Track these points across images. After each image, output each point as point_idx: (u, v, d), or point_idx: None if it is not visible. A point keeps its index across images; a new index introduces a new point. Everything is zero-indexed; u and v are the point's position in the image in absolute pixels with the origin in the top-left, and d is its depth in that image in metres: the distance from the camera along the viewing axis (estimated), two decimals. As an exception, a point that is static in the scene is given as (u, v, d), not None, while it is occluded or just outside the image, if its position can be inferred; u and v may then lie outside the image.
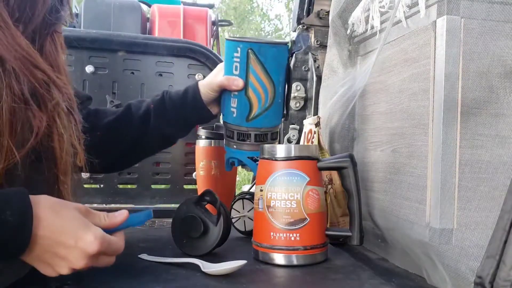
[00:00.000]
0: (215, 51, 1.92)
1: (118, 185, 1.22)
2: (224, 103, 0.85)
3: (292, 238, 0.71)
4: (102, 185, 1.21)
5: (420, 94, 0.65)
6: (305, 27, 1.30)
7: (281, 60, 0.82)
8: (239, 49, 0.79)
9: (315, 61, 1.28)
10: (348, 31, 0.91)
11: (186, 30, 2.82)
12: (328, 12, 1.14)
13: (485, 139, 0.60)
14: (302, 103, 1.28)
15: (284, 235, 0.71)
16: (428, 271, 0.66)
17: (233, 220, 0.92)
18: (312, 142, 0.94)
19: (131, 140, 0.86)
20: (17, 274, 0.57)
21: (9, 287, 0.57)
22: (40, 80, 0.56)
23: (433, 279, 0.64)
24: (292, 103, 1.27)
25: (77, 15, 2.67)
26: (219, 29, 3.19)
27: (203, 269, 0.65)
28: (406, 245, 0.70)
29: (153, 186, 1.24)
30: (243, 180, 3.90)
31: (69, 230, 0.52)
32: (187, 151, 1.24)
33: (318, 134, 0.92)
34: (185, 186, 1.25)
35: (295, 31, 1.34)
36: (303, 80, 1.29)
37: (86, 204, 0.86)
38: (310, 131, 0.96)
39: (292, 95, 1.26)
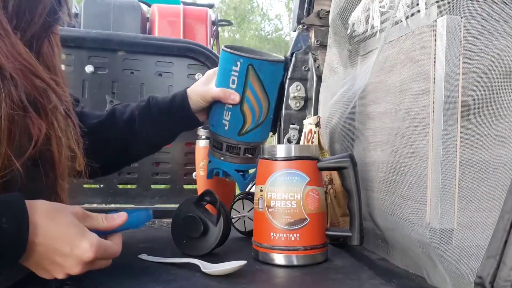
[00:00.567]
0: (215, 51, 1.92)
1: (118, 185, 1.22)
2: (216, 114, 0.83)
3: (292, 238, 0.71)
4: (102, 185, 1.21)
5: (420, 94, 0.65)
6: (305, 27, 1.30)
7: (277, 77, 0.82)
8: (238, 63, 0.78)
9: (315, 61, 1.28)
10: (348, 31, 0.91)
11: (186, 30, 2.82)
12: (328, 12, 1.14)
13: (485, 139, 0.60)
14: (302, 103, 1.28)
15: (284, 235, 0.71)
16: (428, 271, 0.65)
17: (233, 220, 0.92)
18: (312, 142, 0.94)
19: (115, 145, 0.83)
20: (17, 275, 0.57)
21: (9, 287, 0.57)
22: (39, 89, 0.55)
23: (433, 279, 0.64)
24: (292, 103, 1.27)
25: (77, 15, 2.67)
26: (219, 29, 3.19)
27: (203, 269, 0.65)
28: (406, 245, 0.70)
29: (153, 186, 1.24)
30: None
31: (65, 237, 0.52)
32: (187, 151, 1.24)
33: (318, 134, 0.92)
34: (185, 186, 1.25)
35: (295, 31, 1.34)
36: (303, 80, 1.29)
37: (85, 204, 0.86)
38: (310, 131, 0.96)
39: (292, 95, 1.26)
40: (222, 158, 0.85)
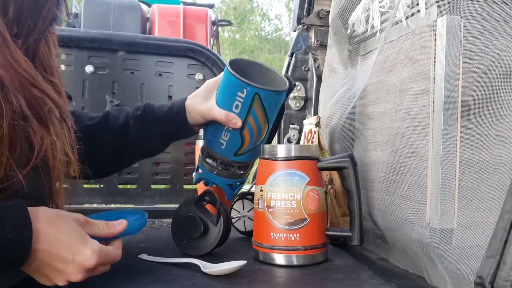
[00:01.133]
0: (215, 51, 1.92)
1: (118, 185, 1.22)
2: (213, 132, 0.81)
3: (292, 238, 0.71)
4: (102, 185, 1.21)
5: (420, 94, 0.65)
6: (305, 27, 1.30)
7: (280, 102, 0.81)
8: (245, 91, 0.75)
9: (315, 61, 1.28)
10: (348, 31, 0.91)
11: (186, 30, 2.82)
12: (328, 12, 1.14)
13: (485, 139, 0.60)
14: (302, 103, 1.28)
15: (284, 235, 0.71)
16: (428, 271, 0.65)
17: (233, 220, 0.92)
18: (312, 142, 0.94)
19: (107, 150, 0.81)
20: (17, 277, 0.57)
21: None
22: (37, 99, 0.54)
23: (433, 279, 0.64)
24: (292, 103, 1.27)
25: (77, 15, 2.67)
26: (219, 29, 3.20)
27: (203, 269, 0.65)
28: (406, 245, 0.70)
29: (153, 186, 1.24)
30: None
31: (67, 244, 0.52)
32: (187, 151, 1.24)
33: (318, 134, 0.92)
34: (185, 186, 1.25)
35: (295, 31, 1.34)
36: (303, 80, 1.29)
37: (85, 204, 0.86)
38: (310, 131, 0.96)
39: (292, 95, 1.26)
40: (214, 172, 0.83)
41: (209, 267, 0.66)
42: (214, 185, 0.85)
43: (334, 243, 0.84)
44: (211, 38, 3.00)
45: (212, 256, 0.74)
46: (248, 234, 0.90)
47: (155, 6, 2.88)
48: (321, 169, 0.74)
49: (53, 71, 0.62)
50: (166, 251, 0.77)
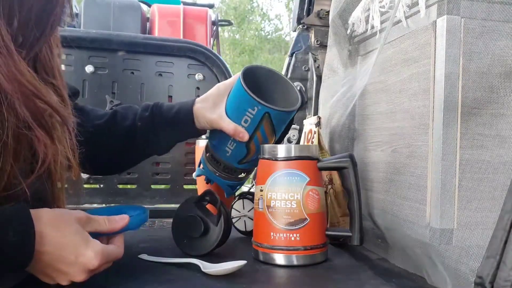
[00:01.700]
0: (215, 51, 1.92)
1: (118, 185, 1.22)
2: (220, 139, 0.81)
3: (292, 238, 0.71)
4: (102, 185, 1.21)
5: (420, 94, 0.65)
6: (305, 27, 1.30)
7: (289, 119, 0.81)
8: (256, 108, 0.74)
9: (315, 61, 1.28)
10: (348, 31, 0.91)
11: (186, 30, 2.82)
12: (328, 12, 1.14)
13: (485, 139, 0.60)
14: (302, 103, 1.28)
15: (284, 235, 0.71)
16: (428, 271, 0.65)
17: (234, 220, 0.92)
18: (312, 142, 0.94)
19: (112, 151, 0.81)
20: (19, 277, 0.58)
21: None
22: (41, 110, 0.53)
23: (433, 279, 0.64)
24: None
25: (77, 15, 2.67)
26: (219, 29, 3.20)
27: (203, 269, 0.65)
28: (406, 245, 0.70)
29: (153, 186, 1.24)
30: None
31: (70, 247, 0.53)
32: (187, 151, 1.24)
33: (318, 134, 0.92)
34: (185, 186, 1.25)
35: (295, 31, 1.34)
36: (303, 80, 1.29)
37: (85, 204, 0.86)
38: (310, 131, 0.96)
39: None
40: (217, 174, 0.84)
41: (209, 267, 0.66)
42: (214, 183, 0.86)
43: (334, 243, 0.84)
44: (211, 38, 3.00)
45: (212, 256, 0.74)
46: (249, 234, 0.90)
47: (155, 6, 2.88)
48: (321, 169, 0.74)
49: (55, 73, 0.61)
50: (166, 251, 0.77)
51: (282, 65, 1.22)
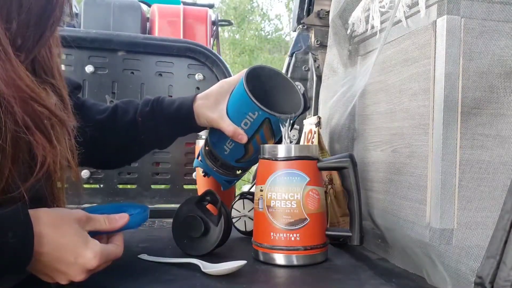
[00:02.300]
0: (215, 51, 1.92)
1: (118, 185, 1.22)
2: (219, 137, 0.81)
3: (292, 238, 0.71)
4: (102, 185, 1.21)
5: (420, 94, 0.65)
6: (305, 27, 1.30)
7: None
8: (256, 113, 0.75)
9: (315, 61, 1.28)
10: (348, 31, 0.91)
11: (186, 30, 2.82)
12: (328, 12, 1.14)
13: (485, 139, 0.60)
14: (302, 103, 1.27)
15: (284, 235, 0.71)
16: (428, 271, 0.65)
17: (234, 220, 0.92)
18: (312, 142, 0.94)
19: (113, 145, 0.81)
20: (18, 277, 0.57)
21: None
22: (40, 114, 0.53)
23: (433, 279, 0.64)
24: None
25: (77, 15, 2.67)
26: (219, 29, 3.19)
27: (203, 269, 0.65)
28: (406, 245, 0.70)
29: (153, 186, 1.24)
30: (243, 180, 3.90)
31: (69, 248, 0.53)
32: (187, 151, 1.24)
33: (318, 134, 0.92)
34: (185, 186, 1.25)
35: (295, 31, 1.34)
36: (303, 80, 1.29)
37: (85, 204, 0.86)
38: (310, 131, 0.96)
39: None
40: (214, 169, 0.85)
41: (209, 267, 0.66)
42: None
43: (334, 243, 0.84)
44: (211, 38, 3.00)
45: (212, 256, 0.74)
46: (249, 234, 0.90)
47: (155, 6, 2.88)
48: (321, 169, 0.74)
49: (54, 73, 0.61)
50: (166, 251, 0.77)
51: (282, 65, 1.22)
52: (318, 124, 0.93)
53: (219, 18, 3.12)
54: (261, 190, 0.74)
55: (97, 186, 1.21)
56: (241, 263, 0.65)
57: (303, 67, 1.29)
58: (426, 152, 0.63)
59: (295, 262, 0.71)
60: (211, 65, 1.24)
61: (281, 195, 0.71)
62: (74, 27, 2.51)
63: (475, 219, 0.59)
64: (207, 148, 0.86)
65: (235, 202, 0.93)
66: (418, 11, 0.66)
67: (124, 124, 0.79)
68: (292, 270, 0.70)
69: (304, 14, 1.30)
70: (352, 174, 0.72)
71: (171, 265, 0.69)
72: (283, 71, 1.32)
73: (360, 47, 0.90)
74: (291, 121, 0.76)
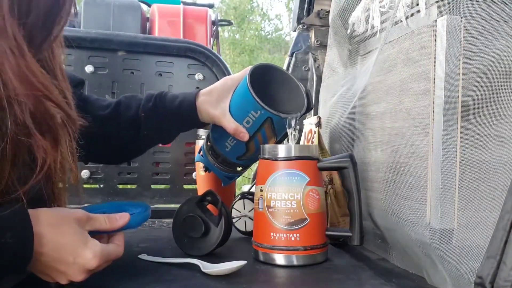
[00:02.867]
0: (215, 50, 1.92)
1: (118, 185, 1.22)
2: (221, 134, 0.80)
3: (292, 238, 0.71)
4: (102, 185, 1.21)
5: (421, 94, 0.65)
6: (305, 27, 1.30)
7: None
8: (259, 112, 0.74)
9: (315, 61, 1.28)
10: (349, 31, 0.91)
11: (186, 30, 2.82)
12: (328, 11, 1.14)
13: (485, 139, 0.60)
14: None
15: (284, 235, 0.71)
16: (428, 271, 0.65)
17: (234, 220, 0.92)
18: (312, 142, 0.94)
19: (118, 142, 0.80)
20: (17, 277, 0.57)
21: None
22: (51, 112, 0.52)
23: (434, 279, 0.64)
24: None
25: (76, 14, 2.67)
26: (219, 29, 3.19)
27: (203, 270, 0.65)
28: (406, 245, 0.69)
29: (153, 186, 1.24)
30: (243, 180, 3.90)
31: (69, 248, 0.53)
32: (187, 151, 1.24)
33: (318, 134, 0.92)
34: (185, 186, 1.25)
35: (295, 31, 1.34)
36: (303, 80, 1.29)
37: (85, 205, 0.86)
38: (310, 131, 0.96)
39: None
40: (215, 165, 0.85)
41: (209, 267, 0.66)
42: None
43: (334, 243, 0.84)
44: (211, 38, 3.00)
45: (212, 256, 0.74)
46: (249, 234, 0.90)
47: (155, 6, 2.88)
48: (321, 169, 0.74)
49: (57, 74, 0.60)
50: (166, 251, 0.77)
51: (282, 65, 1.22)
52: (318, 124, 0.93)
53: (219, 18, 3.12)
54: (261, 190, 0.74)
55: (97, 186, 1.21)
56: (241, 263, 0.65)
57: (303, 67, 1.29)
58: (426, 152, 0.63)
59: (295, 262, 0.71)
60: (211, 65, 1.23)
61: (281, 195, 0.71)
62: (74, 27, 2.51)
63: (475, 219, 0.59)
64: (208, 143, 0.86)
65: (235, 202, 0.93)
66: (418, 11, 0.66)
67: (127, 119, 0.79)
68: (292, 270, 0.70)
69: (304, 14, 1.30)
70: (352, 174, 0.72)
71: (171, 265, 0.69)
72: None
73: (360, 47, 0.90)
74: (296, 121, 0.76)
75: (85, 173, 1.16)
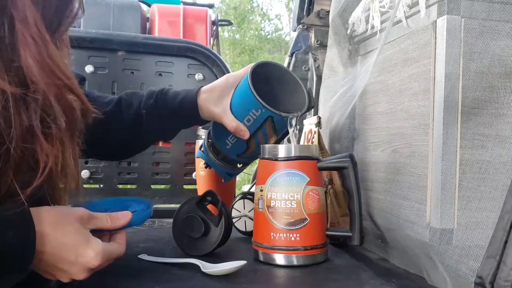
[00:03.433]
0: (215, 50, 1.92)
1: (118, 185, 1.22)
2: (221, 131, 0.81)
3: (292, 238, 0.71)
4: (102, 185, 1.21)
5: (421, 94, 0.65)
6: (305, 27, 1.30)
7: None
8: (260, 111, 0.75)
9: (315, 61, 1.28)
10: (348, 31, 0.91)
11: (186, 30, 2.82)
12: (328, 11, 1.14)
13: (485, 139, 0.60)
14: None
15: (284, 235, 0.71)
16: (428, 272, 0.65)
17: (234, 220, 0.92)
18: (312, 142, 0.94)
19: (119, 139, 0.81)
20: (18, 277, 0.57)
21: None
22: (70, 105, 0.52)
23: (434, 279, 0.64)
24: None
25: (83, 11, 2.67)
26: (219, 29, 3.19)
27: (203, 270, 0.65)
28: (406, 245, 0.69)
29: (153, 186, 1.24)
30: (243, 180, 3.90)
31: (71, 247, 0.52)
32: (187, 151, 1.24)
33: (318, 134, 0.92)
34: (185, 186, 1.25)
35: (295, 31, 1.34)
36: (303, 80, 1.29)
37: (86, 204, 0.85)
38: (310, 131, 0.96)
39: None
40: (216, 161, 0.86)
41: (209, 267, 0.66)
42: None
43: (334, 243, 0.84)
44: (211, 38, 3.00)
45: (212, 256, 0.74)
46: (249, 234, 0.90)
47: (155, 6, 2.88)
48: (321, 169, 0.74)
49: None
50: (166, 251, 0.77)
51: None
52: (318, 124, 0.93)
53: (219, 18, 3.12)
54: (261, 190, 0.74)
55: (97, 186, 1.21)
56: (241, 263, 0.65)
57: (303, 67, 1.29)
58: (426, 152, 0.63)
59: (295, 262, 0.71)
60: (211, 65, 1.23)
61: (281, 195, 0.71)
62: (74, 26, 2.51)
63: (475, 219, 0.59)
64: (209, 140, 0.87)
65: (235, 202, 0.93)
66: (418, 11, 0.66)
67: (129, 116, 0.79)
68: (292, 270, 0.70)
69: (304, 14, 1.30)
70: (352, 174, 0.72)
71: (171, 265, 0.69)
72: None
73: (360, 47, 0.90)
74: (297, 120, 0.76)
75: (85, 173, 1.16)
